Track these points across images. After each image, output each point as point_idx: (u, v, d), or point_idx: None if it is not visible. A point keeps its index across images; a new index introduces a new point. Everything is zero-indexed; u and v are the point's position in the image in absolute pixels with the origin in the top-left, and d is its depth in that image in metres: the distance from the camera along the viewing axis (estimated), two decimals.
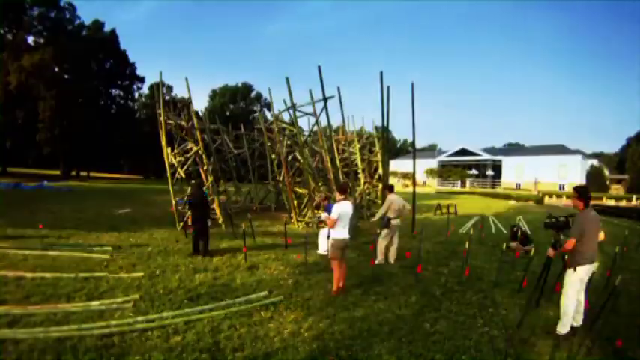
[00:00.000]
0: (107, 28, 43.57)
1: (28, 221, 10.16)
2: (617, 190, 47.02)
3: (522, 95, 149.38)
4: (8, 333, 3.53)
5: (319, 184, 12.43)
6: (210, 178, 11.27)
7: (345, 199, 5.26)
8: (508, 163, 52.61)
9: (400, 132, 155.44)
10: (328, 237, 5.89)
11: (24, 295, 4.64)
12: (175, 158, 11.18)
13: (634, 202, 27.89)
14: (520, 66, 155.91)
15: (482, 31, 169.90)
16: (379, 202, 13.73)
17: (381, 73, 10.59)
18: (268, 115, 48.79)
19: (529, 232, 10.22)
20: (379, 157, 15.53)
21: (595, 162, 50.77)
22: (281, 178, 13.34)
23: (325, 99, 10.83)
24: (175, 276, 5.72)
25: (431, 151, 79.25)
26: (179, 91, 52.30)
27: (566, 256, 4.19)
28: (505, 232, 11.76)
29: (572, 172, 46.64)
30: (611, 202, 28.48)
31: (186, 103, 12.08)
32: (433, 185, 55.86)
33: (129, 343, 3.53)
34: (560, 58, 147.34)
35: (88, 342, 3.47)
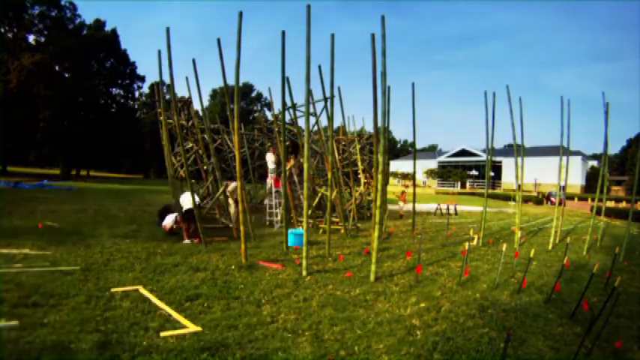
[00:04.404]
0: (108, 28, 43.69)
1: (26, 220, 10.14)
2: (617, 191, 47.05)
3: (522, 95, 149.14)
4: None
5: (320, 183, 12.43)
6: (211, 178, 11.26)
7: None
8: (508, 164, 52.67)
9: (400, 132, 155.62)
10: None
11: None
12: (176, 157, 11.17)
13: None
14: (520, 65, 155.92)
15: (483, 30, 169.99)
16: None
17: (382, 74, 10.56)
18: (269, 114, 48.78)
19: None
20: (380, 158, 15.52)
21: (595, 163, 50.79)
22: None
23: (326, 99, 10.81)
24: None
25: (431, 151, 79.31)
26: (179, 91, 52.39)
27: None
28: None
29: (572, 173, 46.68)
30: (611, 204, 28.41)
31: (186, 102, 12.06)
32: (433, 186, 55.89)
33: None
34: (560, 57, 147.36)
35: None
